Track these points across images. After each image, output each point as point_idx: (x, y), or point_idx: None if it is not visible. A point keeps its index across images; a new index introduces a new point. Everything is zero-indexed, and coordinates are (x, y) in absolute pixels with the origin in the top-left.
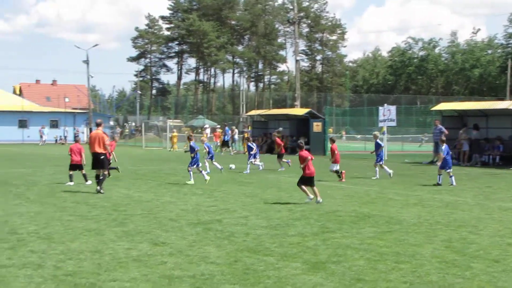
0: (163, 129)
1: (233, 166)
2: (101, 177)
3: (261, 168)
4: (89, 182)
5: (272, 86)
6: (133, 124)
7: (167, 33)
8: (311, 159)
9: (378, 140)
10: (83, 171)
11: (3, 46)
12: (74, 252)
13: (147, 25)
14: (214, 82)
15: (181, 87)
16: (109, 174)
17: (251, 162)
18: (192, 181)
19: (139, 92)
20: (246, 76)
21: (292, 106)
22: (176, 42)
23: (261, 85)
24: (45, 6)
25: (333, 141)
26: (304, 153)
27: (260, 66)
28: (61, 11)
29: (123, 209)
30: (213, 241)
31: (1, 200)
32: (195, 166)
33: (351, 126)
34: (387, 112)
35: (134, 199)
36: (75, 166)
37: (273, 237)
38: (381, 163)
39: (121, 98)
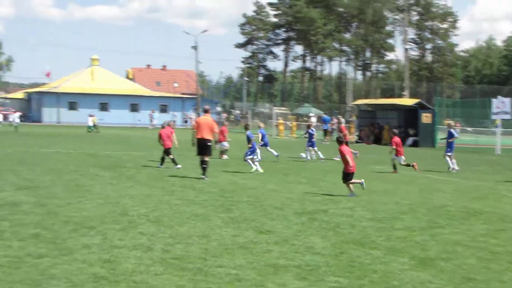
0: (269, 116)
1: (303, 154)
2: (204, 165)
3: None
4: (179, 166)
5: (380, 75)
6: (238, 111)
7: (274, 19)
8: (350, 156)
9: (451, 130)
10: (172, 156)
11: (116, 31)
12: (182, 236)
13: (254, 11)
14: (321, 70)
15: (287, 74)
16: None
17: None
18: (255, 168)
19: (246, 78)
20: (353, 65)
21: (400, 96)
22: (283, 29)
23: (368, 73)
24: None
25: (394, 133)
26: (344, 148)
27: (368, 54)
28: None
29: (229, 195)
30: (318, 232)
31: (114, 182)
32: (252, 156)
33: (462, 118)
34: (501, 104)
35: (240, 185)
36: (169, 151)
37: (379, 230)
38: (449, 154)
39: (228, 84)
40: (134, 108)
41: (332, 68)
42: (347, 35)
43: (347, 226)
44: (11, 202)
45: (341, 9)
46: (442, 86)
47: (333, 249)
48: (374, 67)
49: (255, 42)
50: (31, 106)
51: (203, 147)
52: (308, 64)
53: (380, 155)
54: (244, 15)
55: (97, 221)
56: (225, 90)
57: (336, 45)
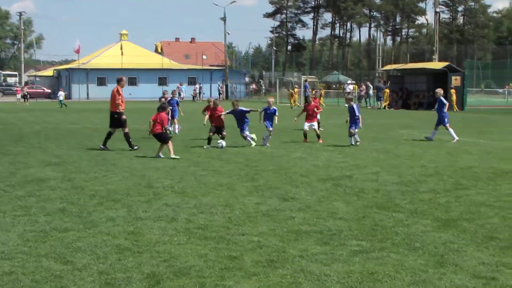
0: (297, 86)
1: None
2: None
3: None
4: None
5: (410, 40)
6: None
7: None
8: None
9: (441, 98)
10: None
11: (147, 4)
12: (206, 206)
13: None
14: (350, 37)
15: (316, 42)
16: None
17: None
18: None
19: (275, 48)
20: (383, 30)
21: (430, 60)
22: None
23: (398, 39)
24: None
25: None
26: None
27: (398, 19)
28: None
29: (255, 165)
30: (342, 197)
31: (140, 155)
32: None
33: (493, 80)
34: None
35: (266, 154)
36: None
37: (404, 193)
38: (446, 124)
39: (257, 54)
40: (162, 81)
41: (361, 34)
42: (377, 1)
43: (371, 191)
44: (38, 178)
45: None
46: (473, 49)
47: (356, 214)
48: (404, 32)
49: (284, 11)
50: (61, 83)
51: (112, 120)
52: (337, 31)
53: (407, 119)
54: None
55: (122, 194)
56: (253, 61)
57: (366, 11)
